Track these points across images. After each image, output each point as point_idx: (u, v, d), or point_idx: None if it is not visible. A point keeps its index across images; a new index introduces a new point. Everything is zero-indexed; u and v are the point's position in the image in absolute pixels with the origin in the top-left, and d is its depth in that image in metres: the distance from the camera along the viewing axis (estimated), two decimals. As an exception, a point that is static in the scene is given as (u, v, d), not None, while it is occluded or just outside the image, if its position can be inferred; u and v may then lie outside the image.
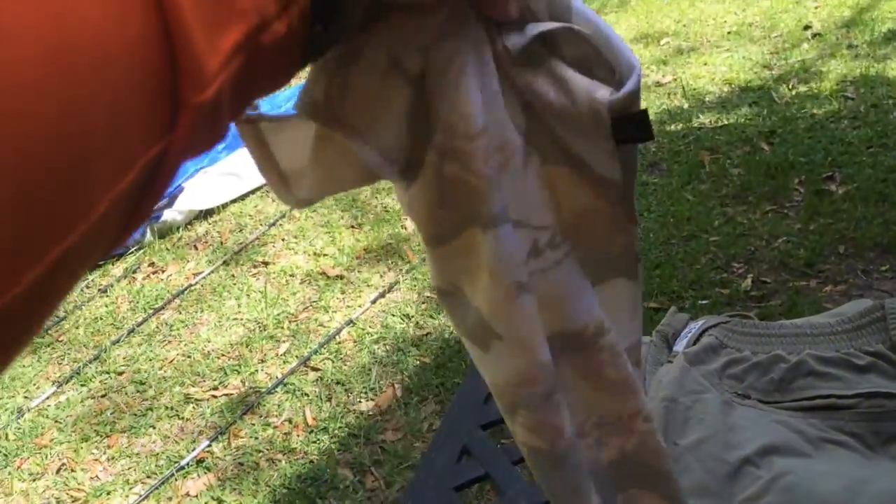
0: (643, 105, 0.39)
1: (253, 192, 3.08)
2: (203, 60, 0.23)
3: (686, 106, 2.97)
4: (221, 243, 2.80)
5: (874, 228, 2.08)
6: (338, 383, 2.04)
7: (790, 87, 2.93)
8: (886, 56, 2.97)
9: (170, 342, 2.34)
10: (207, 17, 0.23)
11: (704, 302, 1.99)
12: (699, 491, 0.74)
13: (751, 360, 0.86)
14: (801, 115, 2.71)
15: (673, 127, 2.84)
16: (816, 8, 3.60)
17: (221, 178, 3.04)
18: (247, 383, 2.11)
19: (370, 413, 1.93)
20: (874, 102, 2.68)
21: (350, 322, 2.25)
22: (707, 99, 2.99)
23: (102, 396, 2.17)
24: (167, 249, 2.81)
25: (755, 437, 0.77)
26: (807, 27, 3.41)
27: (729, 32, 3.57)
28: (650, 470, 0.46)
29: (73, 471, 1.95)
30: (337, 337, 2.21)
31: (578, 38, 0.38)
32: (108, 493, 1.85)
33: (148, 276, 2.70)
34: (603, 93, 0.38)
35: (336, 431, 1.89)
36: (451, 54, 0.36)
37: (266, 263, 2.63)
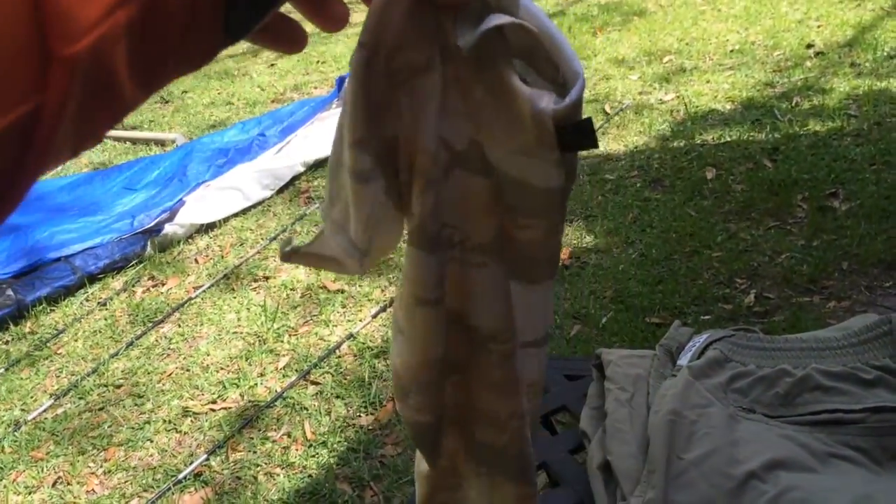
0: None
1: (254, 206, 3.08)
2: (73, 9, 0.20)
3: (689, 123, 2.97)
4: (222, 257, 2.79)
5: (878, 245, 2.07)
6: (337, 397, 2.03)
7: (793, 104, 2.93)
8: (889, 74, 2.98)
9: (168, 355, 2.33)
10: None
11: (707, 317, 1.97)
12: (704, 506, 0.72)
13: (756, 373, 0.84)
14: (804, 132, 2.71)
15: (675, 144, 2.84)
16: (819, 27, 3.61)
17: (223, 192, 3.04)
18: (246, 397, 2.09)
19: (370, 427, 1.91)
20: (877, 120, 2.68)
21: (350, 336, 2.24)
22: (710, 116, 3.00)
23: (100, 409, 2.15)
24: (167, 263, 2.80)
25: (761, 452, 0.76)
26: (809, 46, 3.42)
27: (731, 51, 3.58)
28: (515, 461, 0.50)
29: (69, 484, 1.93)
30: (337, 351, 2.20)
31: (527, 34, 0.38)
32: (104, 507, 1.83)
33: (148, 289, 2.69)
34: (547, 101, 0.38)
35: (335, 446, 1.87)
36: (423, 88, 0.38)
37: (267, 277, 2.62)
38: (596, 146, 0.39)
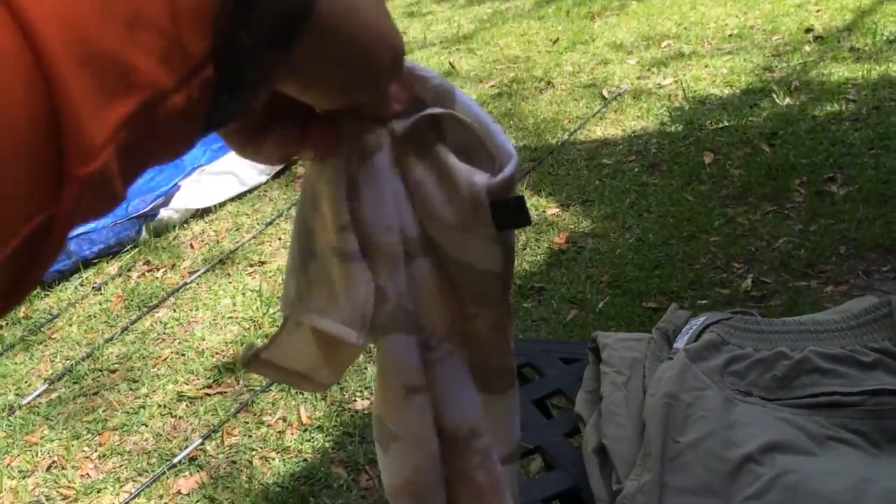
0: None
1: (250, 191, 3.06)
2: (89, 134, 0.22)
3: (687, 108, 2.95)
4: (217, 242, 2.78)
5: (875, 229, 2.06)
6: (333, 382, 2.02)
7: (791, 88, 2.91)
8: (888, 58, 2.96)
9: (164, 340, 2.32)
10: (96, 90, 0.22)
11: (704, 302, 1.97)
12: (700, 489, 0.72)
13: (753, 356, 0.84)
14: (803, 116, 2.69)
15: (673, 128, 2.83)
16: (818, 11, 3.59)
17: (219, 177, 3.02)
18: (241, 381, 2.09)
19: (365, 412, 1.90)
20: (876, 104, 2.66)
21: (346, 321, 2.23)
22: (708, 101, 2.98)
23: (94, 394, 2.14)
24: (163, 248, 2.78)
25: (757, 435, 0.75)
26: (808, 30, 3.40)
27: (730, 35, 3.56)
28: None
29: (63, 468, 1.92)
30: (333, 336, 2.19)
31: (461, 125, 0.40)
32: (99, 491, 1.82)
33: (143, 274, 2.68)
34: (480, 177, 0.40)
35: (331, 430, 1.87)
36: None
37: (262, 262, 2.61)
38: (528, 223, 0.41)
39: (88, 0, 0.22)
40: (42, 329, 2.46)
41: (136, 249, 2.77)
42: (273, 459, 1.82)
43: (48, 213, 0.22)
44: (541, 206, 2.55)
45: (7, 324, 2.52)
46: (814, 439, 0.75)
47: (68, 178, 0.22)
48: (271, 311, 2.34)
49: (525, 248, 2.36)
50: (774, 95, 2.88)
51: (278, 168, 3.13)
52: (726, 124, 2.77)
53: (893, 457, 0.72)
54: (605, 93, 3.23)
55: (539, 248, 2.36)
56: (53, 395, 2.17)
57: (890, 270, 1.94)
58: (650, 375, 0.87)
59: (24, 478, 1.92)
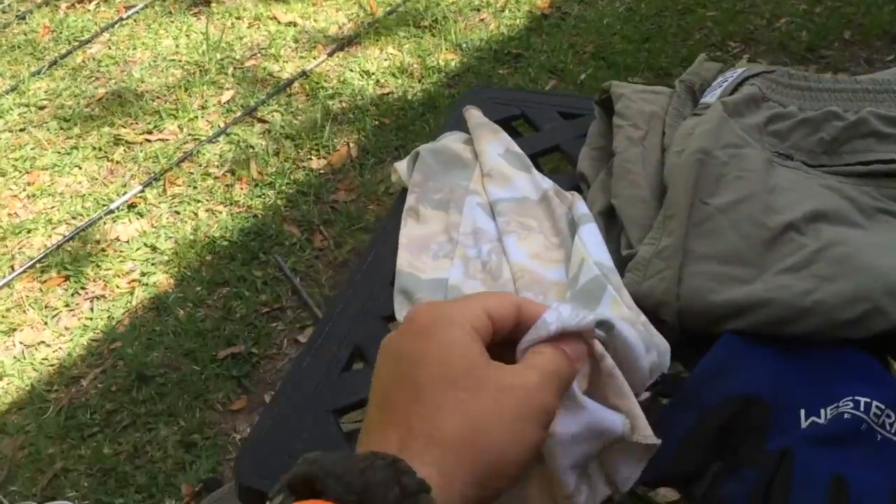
0: None
1: (195, -81, 2.68)
2: None
3: None
4: (158, -26, 2.46)
5: (885, 16, 1.90)
6: (287, 137, 1.86)
7: None
8: None
9: (97, 79, 2.09)
10: None
11: (694, 81, 1.83)
12: (730, 257, 0.62)
13: (798, 116, 0.71)
14: None
15: None
16: None
17: None
18: (185, 129, 1.91)
19: (321, 171, 1.77)
20: None
21: (303, 73, 2.03)
22: None
23: (21, 130, 1.95)
24: (94, -24, 2.46)
25: (801, 202, 0.64)
26: None
27: None
28: None
29: (-10, 208, 1.78)
30: (288, 88, 2.00)
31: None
32: (29, 231, 1.69)
33: (73, 5, 2.38)
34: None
35: (283, 188, 1.74)
36: None
37: (209, 2, 2.33)
38: None
39: None
40: (-42, 57, 2.20)
41: (64, -25, 2.44)
42: (220, 213, 1.70)
43: None
44: (524, -37, 2.30)
45: (-84, 48, 2.25)
46: (863, 211, 0.65)
47: None
48: (219, 56, 2.11)
49: (504, 11, 2.15)
50: None
51: None
52: None
53: (953, 235, 0.63)
54: None
55: (519, 10, 2.14)
56: (-26, 130, 1.97)
57: (894, 60, 1.82)
58: (671, 133, 0.74)
59: (-55, 214, 1.77)
